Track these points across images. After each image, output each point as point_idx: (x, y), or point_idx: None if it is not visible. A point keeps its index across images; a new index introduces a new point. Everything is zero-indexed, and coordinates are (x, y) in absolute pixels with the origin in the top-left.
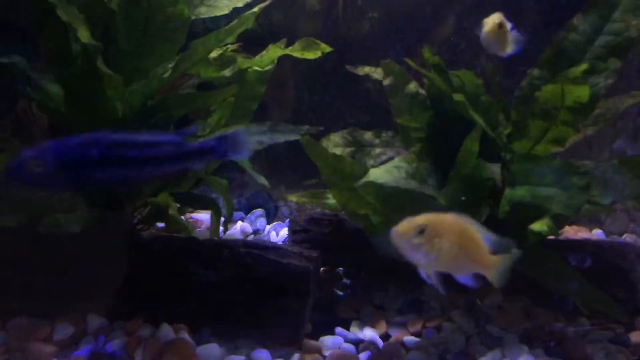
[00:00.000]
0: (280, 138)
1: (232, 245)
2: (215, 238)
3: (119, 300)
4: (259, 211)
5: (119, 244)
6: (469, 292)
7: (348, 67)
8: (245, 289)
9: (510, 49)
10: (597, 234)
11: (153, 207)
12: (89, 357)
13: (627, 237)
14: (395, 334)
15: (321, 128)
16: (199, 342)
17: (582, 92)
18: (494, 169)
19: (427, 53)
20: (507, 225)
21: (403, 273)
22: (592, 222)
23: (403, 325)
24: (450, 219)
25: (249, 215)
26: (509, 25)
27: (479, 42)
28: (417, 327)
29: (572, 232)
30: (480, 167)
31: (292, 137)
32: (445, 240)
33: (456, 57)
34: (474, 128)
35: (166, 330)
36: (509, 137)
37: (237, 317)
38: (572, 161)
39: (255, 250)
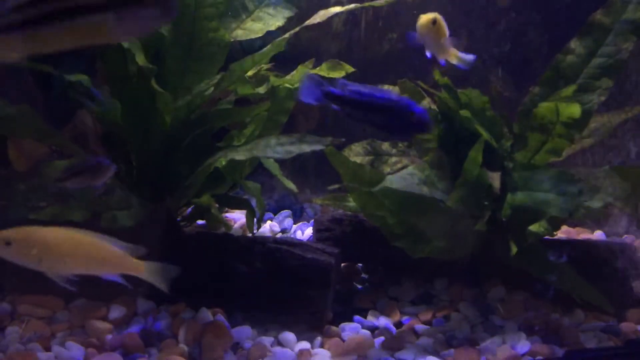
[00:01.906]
0: (307, 148)
1: (264, 242)
2: (249, 234)
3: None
4: (286, 212)
5: (165, 237)
6: (476, 287)
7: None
8: (274, 280)
9: (451, 57)
10: (598, 234)
11: (197, 207)
12: (140, 334)
13: (627, 238)
14: (408, 322)
15: (343, 139)
16: (233, 325)
17: (574, 110)
18: (494, 177)
19: (437, 75)
20: (508, 226)
21: (416, 269)
22: (594, 224)
23: (415, 315)
24: (49, 233)
25: (277, 215)
26: (447, 31)
27: (491, 60)
28: (428, 316)
29: (574, 233)
30: (483, 175)
31: (318, 148)
32: (43, 252)
33: (469, 73)
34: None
35: (205, 314)
36: (511, 147)
37: (267, 304)
38: (566, 169)
39: (283, 246)
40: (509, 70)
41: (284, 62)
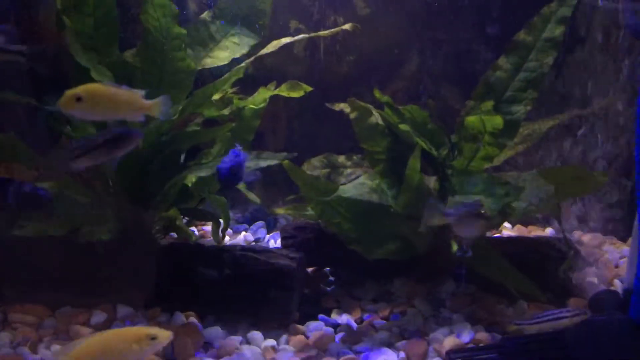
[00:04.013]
0: (263, 163)
1: (231, 250)
2: (218, 244)
3: (141, 293)
4: (261, 223)
5: (140, 249)
6: (429, 283)
7: (327, 104)
8: (242, 284)
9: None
10: (549, 231)
11: (166, 220)
12: None
13: (575, 234)
14: (368, 318)
15: (295, 154)
16: (205, 326)
17: (497, 121)
18: (431, 183)
19: (377, 94)
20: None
21: (376, 270)
22: (546, 222)
23: (375, 311)
24: None
25: (251, 226)
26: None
27: (441, 76)
28: (386, 312)
29: (526, 231)
30: (423, 181)
31: (273, 162)
32: None
33: (422, 87)
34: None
35: (179, 317)
36: (451, 155)
37: (236, 307)
38: (497, 174)
39: (249, 253)
40: (459, 85)
41: (253, 84)
